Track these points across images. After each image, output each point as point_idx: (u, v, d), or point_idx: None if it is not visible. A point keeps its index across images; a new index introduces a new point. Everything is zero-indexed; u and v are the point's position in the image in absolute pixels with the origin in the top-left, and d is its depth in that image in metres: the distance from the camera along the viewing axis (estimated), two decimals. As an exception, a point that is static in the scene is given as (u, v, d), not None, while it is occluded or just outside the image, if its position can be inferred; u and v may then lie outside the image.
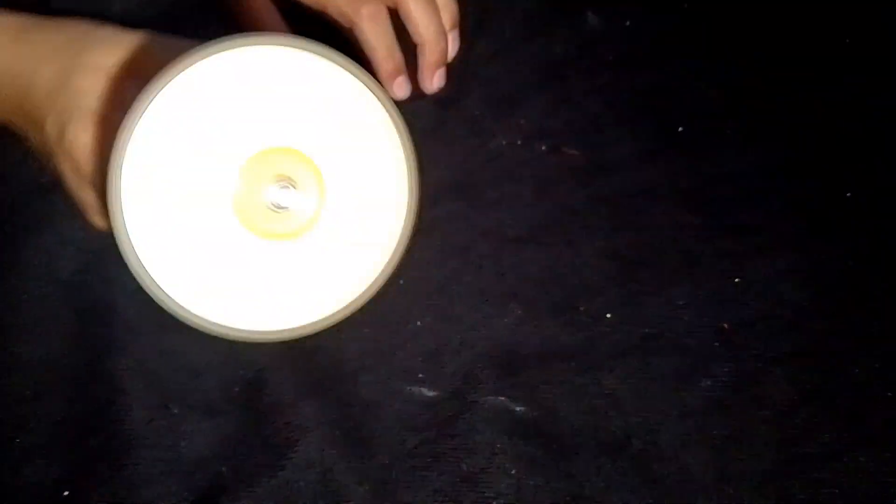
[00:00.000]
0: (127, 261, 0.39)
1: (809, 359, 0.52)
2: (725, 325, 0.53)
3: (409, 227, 0.44)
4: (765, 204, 0.55)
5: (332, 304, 0.43)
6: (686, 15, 0.61)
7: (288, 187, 0.39)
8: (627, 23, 0.61)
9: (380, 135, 0.41)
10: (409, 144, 0.42)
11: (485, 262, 0.54)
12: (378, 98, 0.40)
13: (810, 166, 0.56)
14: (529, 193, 0.56)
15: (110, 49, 0.46)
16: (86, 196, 0.48)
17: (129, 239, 0.38)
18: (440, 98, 0.59)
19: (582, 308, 0.53)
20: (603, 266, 0.54)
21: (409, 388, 0.51)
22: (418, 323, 0.53)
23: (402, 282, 0.54)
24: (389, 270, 0.44)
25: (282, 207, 0.39)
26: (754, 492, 0.48)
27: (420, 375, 0.51)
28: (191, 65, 0.38)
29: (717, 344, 0.52)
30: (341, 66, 0.39)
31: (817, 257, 0.54)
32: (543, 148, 0.57)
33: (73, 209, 0.54)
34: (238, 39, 0.38)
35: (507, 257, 0.54)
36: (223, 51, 0.38)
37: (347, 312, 0.44)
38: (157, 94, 0.38)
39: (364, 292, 0.44)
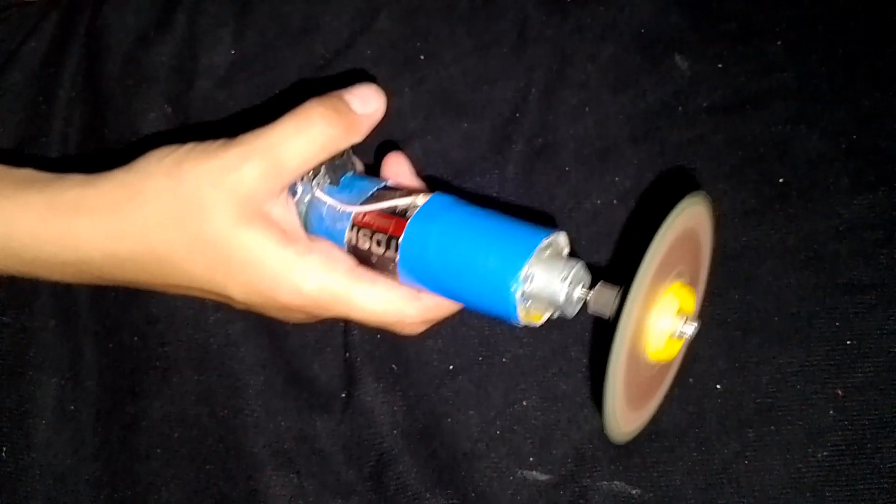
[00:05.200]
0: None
1: (927, 421, 0.51)
2: (839, 392, 0.51)
3: None
4: (875, 259, 0.53)
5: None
6: (780, 53, 0.58)
7: (692, 320, 0.43)
8: (719, 65, 0.58)
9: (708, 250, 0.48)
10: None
11: (587, 335, 0.54)
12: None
13: (924, 218, 0.54)
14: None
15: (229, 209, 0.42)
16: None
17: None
18: (527, 152, 0.57)
19: (691, 379, 0.52)
20: (710, 333, 0.53)
21: (521, 472, 0.51)
22: (524, 403, 0.53)
23: (504, 360, 0.53)
24: None
25: (685, 335, 0.43)
26: (879, 569, 0.48)
27: (531, 459, 0.51)
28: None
29: (831, 412, 0.51)
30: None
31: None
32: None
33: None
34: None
35: (611, 328, 0.53)
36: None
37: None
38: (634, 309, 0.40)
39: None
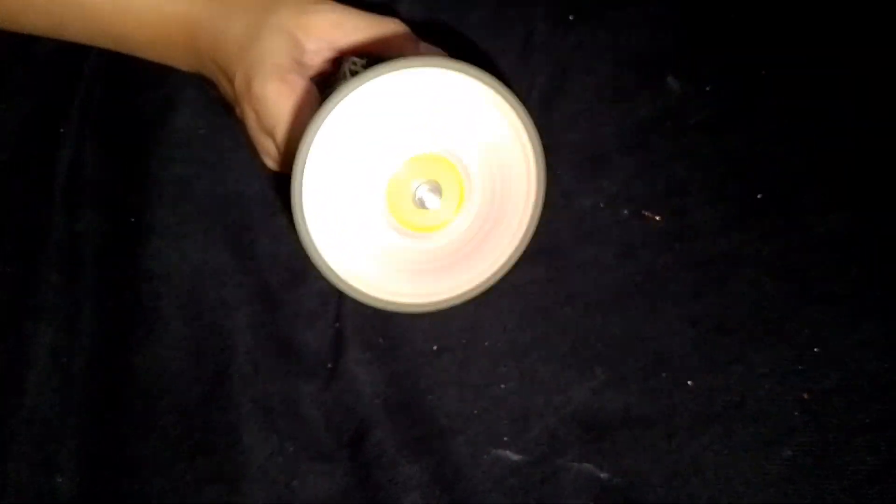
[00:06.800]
0: (300, 232, 0.46)
1: (889, 429, 0.53)
2: (806, 396, 0.53)
3: (536, 216, 0.52)
4: (846, 273, 0.56)
5: (468, 283, 0.52)
6: (764, 81, 0.62)
7: (435, 189, 0.46)
8: (707, 87, 0.62)
9: (513, 139, 0.49)
10: (538, 144, 0.49)
11: (569, 326, 0.56)
12: (511, 105, 0.47)
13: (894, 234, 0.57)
14: (612, 258, 0.57)
15: (294, 11, 0.51)
16: (263, 141, 0.53)
17: (306, 218, 0.46)
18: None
19: (664, 374, 0.54)
20: (685, 332, 0.55)
21: (495, 450, 0.53)
22: (503, 386, 0.54)
23: (486, 344, 0.55)
24: (519, 253, 0.52)
25: (427, 207, 0.47)
26: (837, 565, 0.49)
27: (505, 438, 0.53)
28: (365, 81, 0.44)
29: (797, 413, 0.53)
30: (478, 79, 0.46)
31: (898, 327, 0.55)
32: (626, 212, 0.58)
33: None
34: (402, 62, 0.45)
35: (590, 321, 0.56)
36: (391, 72, 0.45)
37: (481, 290, 0.52)
38: (338, 103, 0.44)
39: (495, 273, 0.52)
